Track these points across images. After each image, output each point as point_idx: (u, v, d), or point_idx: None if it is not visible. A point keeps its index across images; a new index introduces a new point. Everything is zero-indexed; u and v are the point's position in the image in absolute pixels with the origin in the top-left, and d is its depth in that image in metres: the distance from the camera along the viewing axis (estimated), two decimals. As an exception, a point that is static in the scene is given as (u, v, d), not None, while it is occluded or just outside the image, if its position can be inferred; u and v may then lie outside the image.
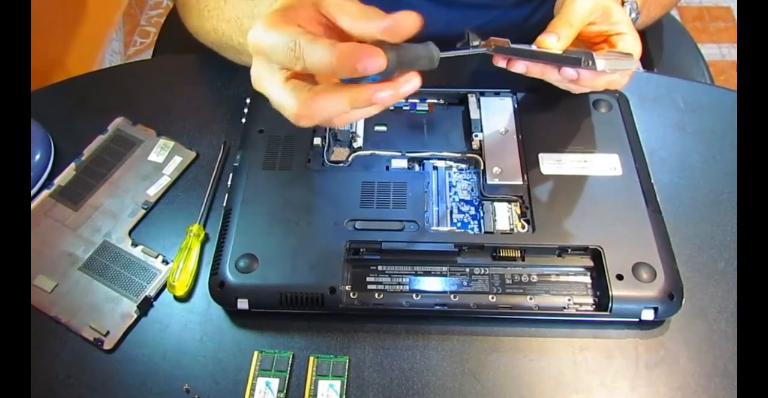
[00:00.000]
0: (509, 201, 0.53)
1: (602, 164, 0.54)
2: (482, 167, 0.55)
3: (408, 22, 0.37)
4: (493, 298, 0.48)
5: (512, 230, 0.51)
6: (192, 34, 0.62)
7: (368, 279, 0.49)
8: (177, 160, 0.59)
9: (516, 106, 0.59)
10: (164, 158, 0.59)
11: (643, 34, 0.52)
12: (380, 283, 0.49)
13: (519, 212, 0.52)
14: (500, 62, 0.49)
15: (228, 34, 0.56)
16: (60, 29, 1.35)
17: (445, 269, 0.50)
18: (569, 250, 0.50)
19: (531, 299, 0.48)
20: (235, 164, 0.55)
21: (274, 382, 0.46)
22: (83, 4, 1.44)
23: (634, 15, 0.57)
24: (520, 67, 0.49)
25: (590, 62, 0.47)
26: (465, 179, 0.55)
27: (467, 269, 0.50)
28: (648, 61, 0.78)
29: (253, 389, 0.46)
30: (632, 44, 0.51)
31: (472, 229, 0.52)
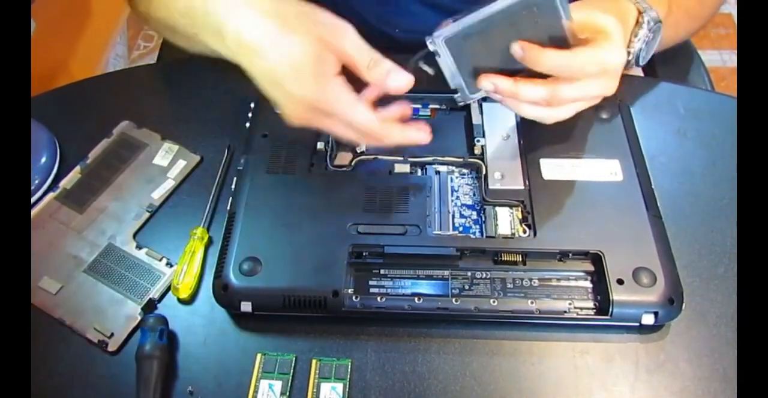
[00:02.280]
0: (511, 206, 0.53)
1: (603, 170, 0.55)
2: (484, 172, 0.55)
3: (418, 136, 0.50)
4: (494, 302, 0.48)
5: (513, 234, 0.51)
6: (139, 18, 0.62)
7: (371, 283, 0.50)
8: (181, 163, 0.59)
9: (518, 111, 0.60)
10: (169, 161, 0.59)
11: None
12: (382, 286, 0.50)
13: (520, 216, 0.53)
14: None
15: (181, 26, 0.55)
16: (64, 33, 1.36)
17: (446, 273, 0.50)
18: (570, 255, 0.50)
19: (532, 303, 0.48)
20: (239, 168, 0.56)
21: (277, 384, 0.46)
22: (88, 8, 1.45)
23: (652, 24, 0.55)
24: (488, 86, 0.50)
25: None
26: (467, 184, 0.56)
27: (469, 273, 0.50)
28: (649, 68, 0.78)
29: (255, 391, 0.46)
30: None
31: (474, 233, 0.52)
